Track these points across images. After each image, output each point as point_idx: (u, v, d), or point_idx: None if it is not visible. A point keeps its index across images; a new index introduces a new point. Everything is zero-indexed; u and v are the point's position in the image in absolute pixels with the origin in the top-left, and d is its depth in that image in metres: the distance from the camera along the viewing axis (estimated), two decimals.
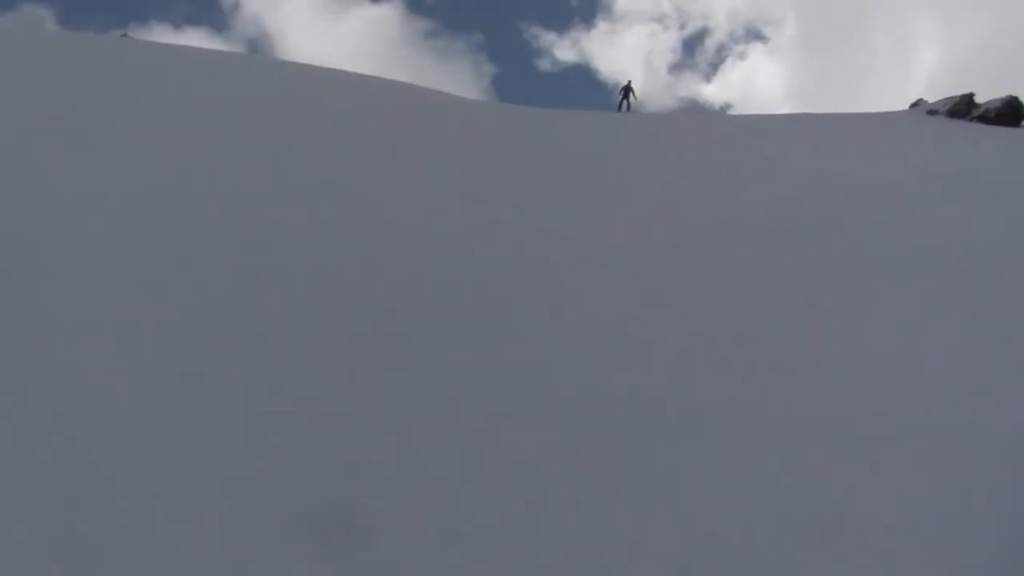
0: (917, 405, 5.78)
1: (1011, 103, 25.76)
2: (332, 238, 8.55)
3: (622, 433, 5.06)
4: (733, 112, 78.17)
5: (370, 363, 5.69)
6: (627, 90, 28.94)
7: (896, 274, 9.13)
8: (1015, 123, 24.97)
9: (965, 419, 5.57)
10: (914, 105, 28.03)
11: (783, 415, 5.47)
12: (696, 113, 31.94)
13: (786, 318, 7.60)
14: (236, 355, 5.50)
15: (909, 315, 7.85)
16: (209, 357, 5.40)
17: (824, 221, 11.44)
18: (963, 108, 26.10)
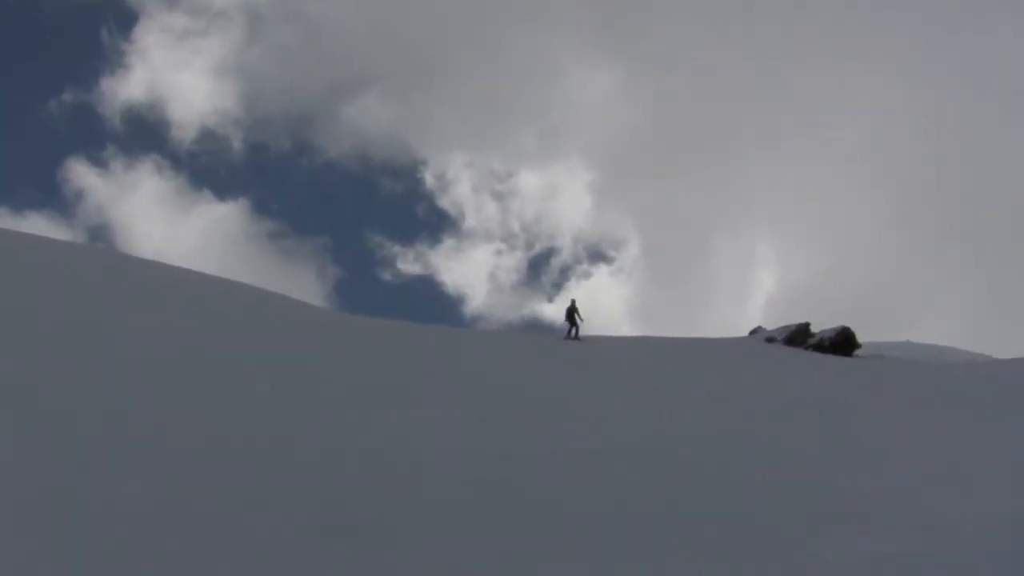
0: None
1: (844, 332, 26.84)
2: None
3: None
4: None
5: None
6: (572, 311, 24.62)
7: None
8: (847, 352, 25.81)
9: None
10: (753, 332, 28.86)
11: None
12: (539, 332, 31.73)
13: None
14: None
15: None
16: None
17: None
18: (799, 337, 26.95)
